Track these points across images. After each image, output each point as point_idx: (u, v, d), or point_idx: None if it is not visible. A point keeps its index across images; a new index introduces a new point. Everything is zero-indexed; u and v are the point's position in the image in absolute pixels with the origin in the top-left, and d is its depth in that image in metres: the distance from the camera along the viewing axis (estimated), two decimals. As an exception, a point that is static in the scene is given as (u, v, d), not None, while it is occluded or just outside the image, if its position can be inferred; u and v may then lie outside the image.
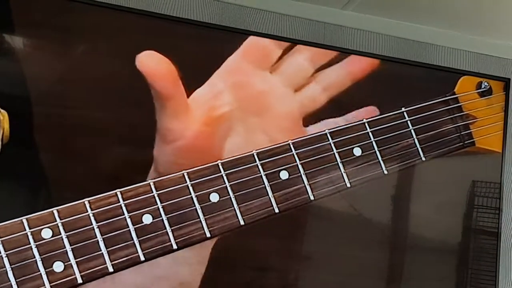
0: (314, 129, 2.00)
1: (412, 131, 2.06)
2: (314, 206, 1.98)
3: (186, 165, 1.86)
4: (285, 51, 2.03)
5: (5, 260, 1.68)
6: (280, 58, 2.02)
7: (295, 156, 1.94)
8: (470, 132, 2.13)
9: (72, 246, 1.73)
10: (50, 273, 1.70)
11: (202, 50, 1.99)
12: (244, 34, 2.03)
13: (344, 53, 2.10)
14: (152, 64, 1.89)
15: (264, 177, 1.91)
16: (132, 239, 1.79)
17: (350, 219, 2.07)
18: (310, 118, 2.03)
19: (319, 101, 2.03)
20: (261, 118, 1.98)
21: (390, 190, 2.11)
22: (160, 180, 1.84)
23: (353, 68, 2.06)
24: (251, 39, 2.01)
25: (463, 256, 2.17)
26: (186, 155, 1.89)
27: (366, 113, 2.05)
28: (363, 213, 2.07)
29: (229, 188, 1.88)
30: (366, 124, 2.02)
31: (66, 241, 1.73)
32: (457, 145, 2.11)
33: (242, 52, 1.99)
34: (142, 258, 1.79)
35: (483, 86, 2.16)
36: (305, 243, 2.06)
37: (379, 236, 2.10)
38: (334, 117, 2.04)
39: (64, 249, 1.73)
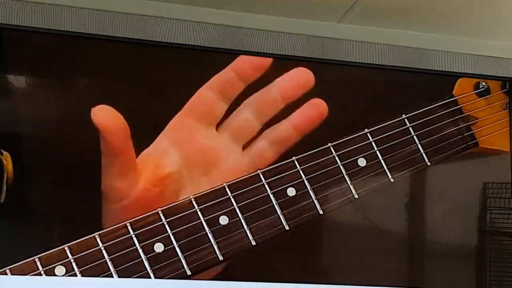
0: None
1: (415, 137, 2.05)
2: (327, 219, 1.97)
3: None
4: (232, 106, 1.96)
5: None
6: (226, 112, 1.95)
7: (301, 172, 1.94)
8: (472, 133, 2.11)
9: (86, 281, 1.74)
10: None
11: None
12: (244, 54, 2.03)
13: (343, 65, 2.11)
14: (107, 118, 1.85)
15: (271, 196, 1.91)
16: (146, 269, 1.79)
17: (365, 230, 2.05)
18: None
19: (268, 157, 1.96)
20: (209, 176, 1.91)
21: (403, 198, 2.10)
22: (168, 207, 1.84)
23: (299, 121, 1.99)
24: (197, 94, 1.94)
25: (481, 259, 2.15)
26: (132, 215, 1.84)
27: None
28: (378, 223, 2.05)
29: (237, 210, 1.88)
30: (368, 134, 2.02)
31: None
32: (461, 147, 2.10)
33: (186, 109, 1.92)
34: None
35: (481, 86, 2.15)
36: (322, 256, 2.05)
37: (395, 245, 2.08)
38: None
39: (78, 285, 1.73)
